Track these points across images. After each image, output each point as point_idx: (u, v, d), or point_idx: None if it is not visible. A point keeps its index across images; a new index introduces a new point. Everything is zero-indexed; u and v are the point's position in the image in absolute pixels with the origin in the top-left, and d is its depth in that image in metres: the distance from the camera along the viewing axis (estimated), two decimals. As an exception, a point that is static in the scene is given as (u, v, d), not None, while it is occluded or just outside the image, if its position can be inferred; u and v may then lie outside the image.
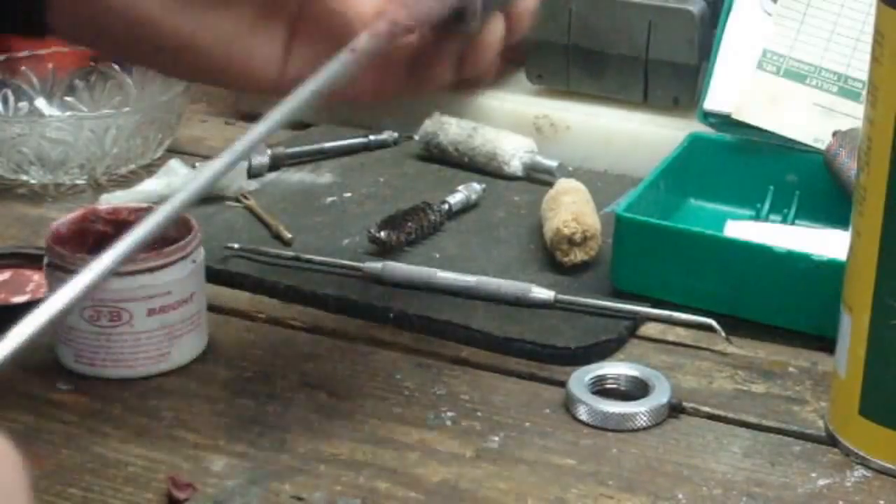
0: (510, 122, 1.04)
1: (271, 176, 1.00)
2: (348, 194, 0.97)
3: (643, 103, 1.04)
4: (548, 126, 1.04)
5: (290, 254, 0.86)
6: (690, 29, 1.00)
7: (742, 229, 0.86)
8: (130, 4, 0.62)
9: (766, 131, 0.90)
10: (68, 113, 1.04)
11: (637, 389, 0.73)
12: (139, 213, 0.79)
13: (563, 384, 0.74)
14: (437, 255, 0.88)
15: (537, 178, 0.99)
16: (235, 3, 0.63)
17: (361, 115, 1.08)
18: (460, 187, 0.95)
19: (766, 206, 0.90)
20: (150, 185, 0.95)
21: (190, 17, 0.62)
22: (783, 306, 0.78)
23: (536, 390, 0.75)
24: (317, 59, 0.62)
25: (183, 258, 0.74)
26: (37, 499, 0.65)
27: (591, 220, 0.85)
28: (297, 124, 1.09)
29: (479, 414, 0.72)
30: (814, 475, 0.68)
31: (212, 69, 0.66)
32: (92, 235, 0.78)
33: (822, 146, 0.88)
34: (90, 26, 0.64)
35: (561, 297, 0.81)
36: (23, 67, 1.05)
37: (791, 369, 0.77)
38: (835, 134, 0.87)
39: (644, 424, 0.71)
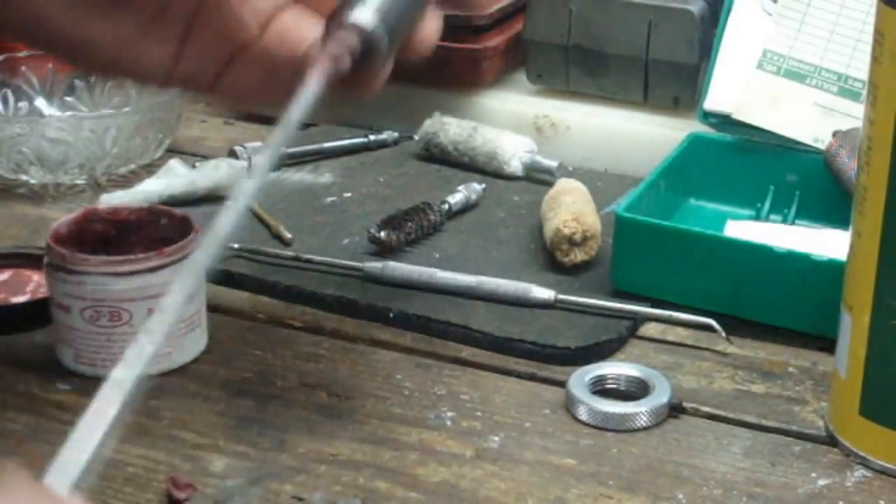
0: (510, 122, 1.04)
1: (271, 176, 1.00)
2: (348, 194, 0.97)
3: (643, 103, 1.04)
4: (548, 126, 1.04)
5: (290, 254, 0.86)
6: (690, 29, 1.00)
7: (742, 229, 0.86)
8: (26, 2, 0.61)
9: (766, 131, 0.90)
10: (68, 113, 1.04)
11: (637, 389, 0.73)
12: (139, 214, 0.79)
13: (563, 384, 0.74)
14: (437, 255, 0.88)
15: (537, 178, 0.99)
16: (129, 7, 0.62)
17: (361, 116, 1.08)
18: (460, 187, 0.95)
19: (766, 205, 0.90)
20: (150, 185, 0.95)
21: (84, 20, 0.62)
22: (783, 306, 0.78)
23: (536, 390, 0.75)
24: (207, 58, 0.63)
25: (183, 258, 0.74)
26: (37, 499, 0.65)
27: (591, 220, 0.85)
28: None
29: (479, 414, 0.72)
30: (814, 475, 0.68)
31: (105, 66, 0.67)
32: (92, 235, 0.78)
33: (822, 146, 0.88)
34: None
35: (561, 297, 0.81)
36: (23, 67, 1.05)
37: (791, 369, 0.77)
38: (835, 134, 0.87)
39: (644, 424, 0.71)
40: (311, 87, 0.58)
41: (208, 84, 0.65)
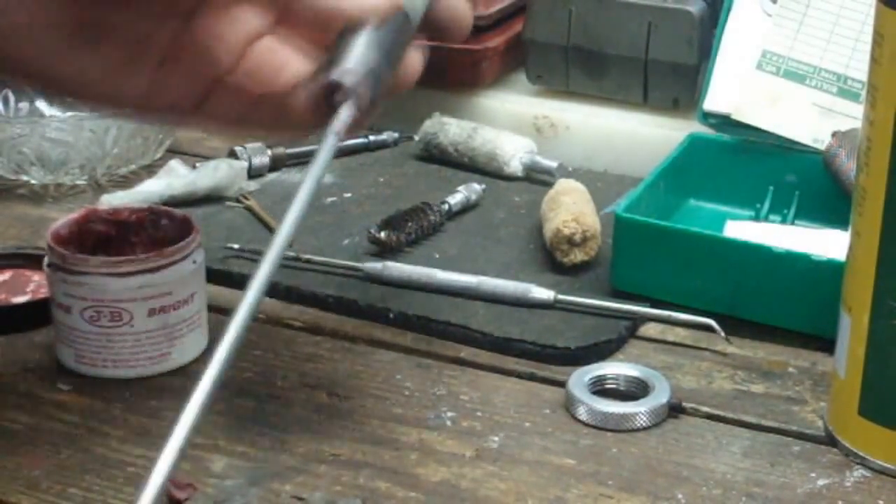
0: (510, 123, 1.04)
1: (271, 176, 1.00)
2: (348, 194, 0.97)
3: (643, 104, 1.04)
4: (548, 126, 1.04)
5: (291, 254, 0.86)
6: (690, 29, 1.00)
7: (742, 229, 0.86)
8: (12, 40, 0.62)
9: (765, 132, 0.90)
10: (69, 113, 1.04)
11: (637, 389, 0.74)
12: (139, 214, 0.79)
13: (562, 384, 0.74)
14: (437, 255, 0.88)
15: (537, 179, 0.99)
16: (108, 43, 0.63)
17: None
18: (460, 187, 0.95)
19: (766, 206, 0.90)
20: (151, 186, 0.95)
21: (64, 57, 0.63)
22: (783, 306, 0.78)
23: (536, 390, 0.75)
24: (185, 89, 0.64)
25: (183, 258, 0.74)
26: (37, 499, 0.65)
27: (590, 220, 0.85)
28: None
29: (479, 414, 0.72)
30: (813, 475, 0.68)
31: (87, 99, 0.70)
32: (92, 236, 0.78)
33: (821, 146, 0.88)
34: None
35: (561, 297, 0.81)
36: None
37: (790, 369, 0.77)
38: (834, 134, 0.87)
39: (644, 424, 0.71)
40: (324, 156, 0.60)
41: (189, 114, 0.66)
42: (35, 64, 0.63)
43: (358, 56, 0.61)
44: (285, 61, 0.63)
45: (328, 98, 0.61)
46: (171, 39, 0.63)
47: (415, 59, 0.66)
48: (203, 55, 0.63)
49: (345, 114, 0.61)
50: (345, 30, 0.62)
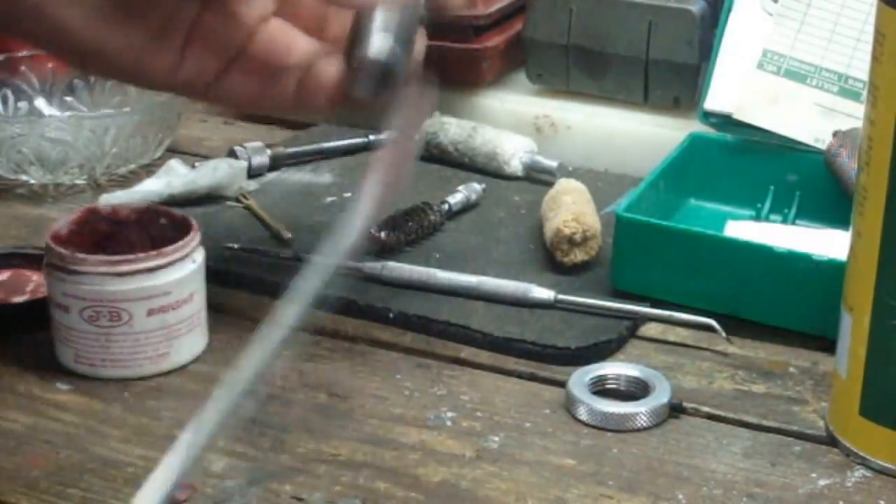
0: (510, 122, 1.04)
1: (271, 176, 1.00)
2: (348, 194, 0.97)
3: (643, 103, 1.04)
4: (548, 126, 1.04)
5: (291, 254, 0.86)
6: (690, 29, 1.00)
7: (742, 229, 0.86)
8: (51, 14, 0.67)
9: (766, 131, 0.90)
10: (68, 113, 1.04)
11: (637, 389, 0.73)
12: (139, 214, 0.79)
13: (563, 384, 0.74)
14: (437, 255, 0.88)
15: (537, 178, 0.99)
16: (139, 19, 0.68)
17: (362, 116, 1.08)
18: (460, 187, 0.95)
19: (767, 206, 0.90)
20: (150, 185, 0.95)
21: (98, 31, 0.68)
22: (783, 306, 0.78)
23: (536, 390, 0.75)
24: (204, 65, 0.70)
25: (183, 258, 0.74)
26: (36, 499, 0.65)
27: (591, 220, 0.85)
28: (297, 124, 1.09)
29: (479, 414, 0.72)
30: (814, 475, 0.67)
31: (112, 73, 0.76)
32: (92, 236, 0.78)
33: (822, 146, 0.88)
34: (4, 22, 0.69)
35: (561, 297, 0.81)
36: (23, 67, 1.05)
37: (791, 369, 0.77)
38: (835, 134, 0.87)
39: (644, 425, 0.71)
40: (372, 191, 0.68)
41: (205, 89, 0.71)
42: (69, 39, 0.67)
43: (383, 38, 0.68)
44: (294, 39, 0.69)
45: (359, 77, 0.68)
46: (194, 18, 0.68)
47: (420, 42, 0.71)
48: (220, 33, 0.69)
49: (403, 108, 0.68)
50: (361, 14, 0.68)
